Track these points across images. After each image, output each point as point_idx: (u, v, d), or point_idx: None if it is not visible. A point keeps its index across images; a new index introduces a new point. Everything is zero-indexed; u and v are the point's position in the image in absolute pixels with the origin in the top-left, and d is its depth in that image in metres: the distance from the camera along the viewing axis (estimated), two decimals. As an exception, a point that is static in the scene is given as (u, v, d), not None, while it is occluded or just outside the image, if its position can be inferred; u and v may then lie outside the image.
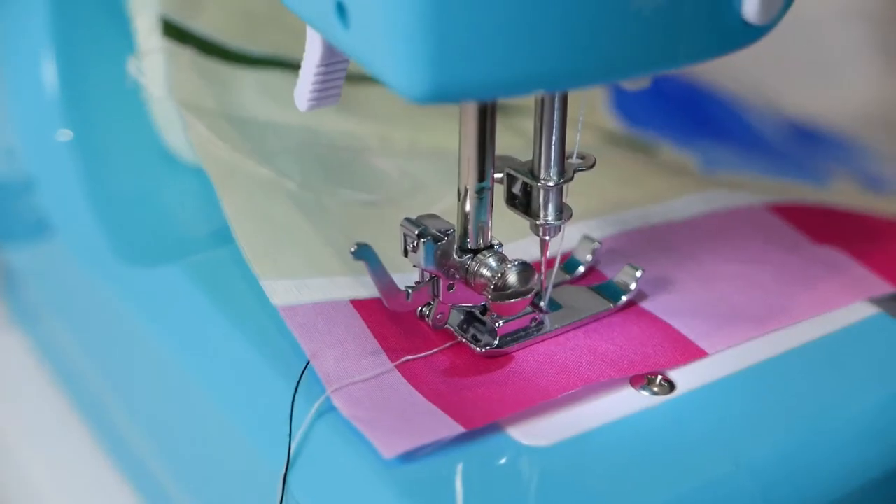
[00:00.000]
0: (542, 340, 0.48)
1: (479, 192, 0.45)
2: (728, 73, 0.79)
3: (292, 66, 0.61)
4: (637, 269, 0.49)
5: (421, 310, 0.47)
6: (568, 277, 0.51)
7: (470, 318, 0.48)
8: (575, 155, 0.48)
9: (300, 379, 0.45)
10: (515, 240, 0.52)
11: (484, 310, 0.48)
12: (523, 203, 0.48)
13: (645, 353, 0.47)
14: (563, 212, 0.47)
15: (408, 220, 0.46)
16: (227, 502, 0.50)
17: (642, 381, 0.46)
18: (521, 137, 0.63)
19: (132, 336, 0.54)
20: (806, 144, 0.77)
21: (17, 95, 0.60)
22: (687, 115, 0.75)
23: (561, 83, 0.40)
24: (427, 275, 0.46)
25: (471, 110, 0.44)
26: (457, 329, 0.48)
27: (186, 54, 0.58)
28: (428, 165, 0.59)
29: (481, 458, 0.42)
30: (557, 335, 0.48)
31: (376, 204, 0.55)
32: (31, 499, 0.61)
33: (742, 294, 0.51)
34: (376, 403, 0.44)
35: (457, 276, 0.46)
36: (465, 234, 0.46)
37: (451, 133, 0.60)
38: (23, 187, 0.61)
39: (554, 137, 0.46)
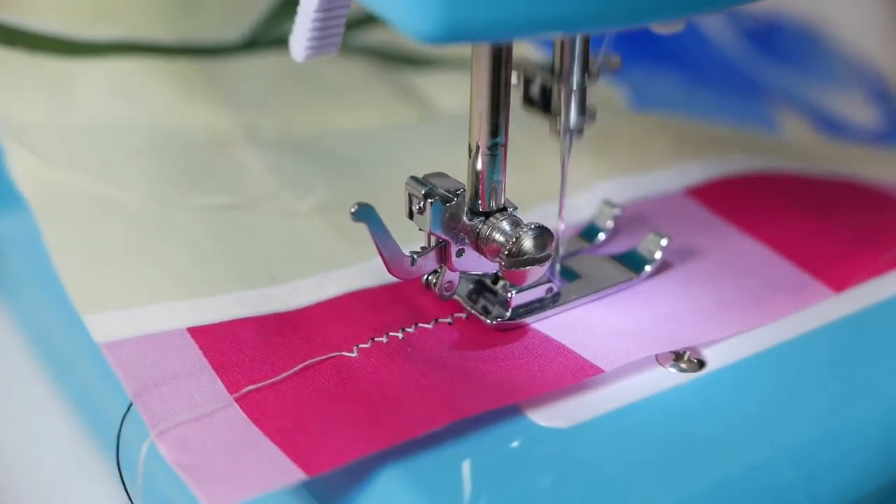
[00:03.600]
0: (559, 313, 0.45)
1: (492, 148, 0.42)
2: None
3: (149, 50, 0.58)
4: (662, 237, 0.46)
5: (427, 278, 0.44)
6: (587, 245, 0.48)
7: (480, 288, 0.45)
8: (600, 55, 0.45)
9: (122, 424, 0.41)
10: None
11: (496, 279, 0.45)
12: (542, 103, 0.45)
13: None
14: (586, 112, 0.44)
15: (414, 178, 0.42)
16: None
17: (669, 357, 0.43)
18: (420, 107, 0.60)
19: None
20: (760, 61, 0.73)
21: None
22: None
23: (585, 23, 0.36)
24: (434, 239, 0.43)
25: (483, 57, 0.41)
26: (465, 299, 0.45)
27: (13, 59, 0.55)
28: (298, 156, 0.55)
29: (496, 442, 0.39)
30: (575, 307, 0.45)
31: (235, 207, 0.51)
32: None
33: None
34: (207, 446, 0.39)
35: (467, 241, 0.43)
36: (476, 196, 0.43)
37: (330, 112, 0.58)
38: None
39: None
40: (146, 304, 0.44)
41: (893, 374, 0.44)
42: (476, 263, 0.43)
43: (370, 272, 0.47)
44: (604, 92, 0.62)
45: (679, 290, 0.46)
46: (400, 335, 0.43)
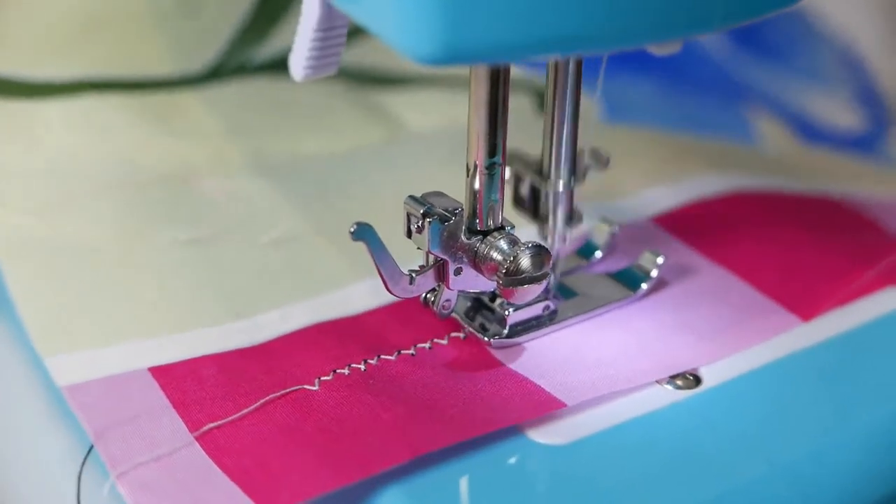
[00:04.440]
0: (555, 331, 0.45)
1: (490, 168, 0.42)
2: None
3: (110, 86, 0.57)
4: (658, 255, 0.46)
5: (426, 296, 0.44)
6: (584, 263, 0.48)
7: (477, 306, 0.45)
8: (587, 155, 0.45)
9: (82, 467, 0.41)
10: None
11: (493, 297, 0.45)
12: (531, 206, 0.46)
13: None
14: (573, 218, 0.45)
15: (412, 197, 0.42)
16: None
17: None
18: (391, 126, 0.59)
19: None
20: (740, 55, 0.71)
21: None
22: None
23: (581, 45, 0.37)
24: (432, 258, 0.43)
25: (482, 78, 0.41)
26: (463, 317, 0.45)
27: None
28: (266, 185, 0.54)
29: (494, 459, 0.39)
30: (571, 325, 0.45)
31: (200, 241, 0.50)
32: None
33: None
34: (167, 486, 0.39)
35: (465, 260, 0.43)
36: (473, 215, 0.43)
37: (299, 137, 0.57)
38: None
39: (565, 133, 0.44)
40: (108, 345, 0.44)
41: (888, 391, 0.44)
42: (474, 282, 0.43)
43: (336, 303, 0.47)
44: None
45: (648, 317, 0.46)
46: (362, 367, 0.43)
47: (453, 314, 0.44)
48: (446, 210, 0.42)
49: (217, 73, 0.60)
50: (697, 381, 0.43)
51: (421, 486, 0.38)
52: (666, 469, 0.40)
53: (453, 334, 0.45)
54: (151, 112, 0.57)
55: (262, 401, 0.41)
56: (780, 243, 0.50)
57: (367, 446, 0.39)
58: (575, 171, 0.45)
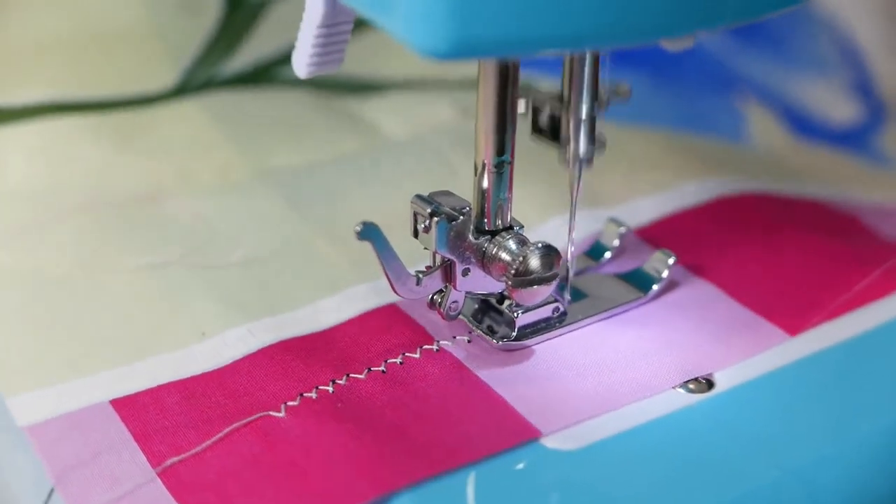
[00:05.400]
0: (564, 333, 0.44)
1: (498, 166, 0.41)
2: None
3: (74, 109, 0.56)
4: (670, 256, 0.45)
5: (433, 297, 0.43)
6: (593, 264, 0.47)
7: (485, 308, 0.44)
8: (608, 85, 0.44)
9: None
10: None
11: (501, 298, 0.44)
12: (551, 132, 0.44)
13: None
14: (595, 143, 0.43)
15: (419, 196, 0.42)
16: None
17: (678, 377, 0.42)
18: (365, 135, 0.58)
19: None
20: (731, 41, 0.68)
21: None
22: None
23: (593, 40, 0.36)
24: (440, 258, 0.42)
25: (490, 75, 0.40)
26: (470, 319, 0.44)
27: None
28: (232, 203, 0.52)
29: (505, 464, 0.39)
30: (581, 327, 0.44)
31: (164, 264, 0.49)
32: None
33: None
34: None
35: (473, 260, 0.42)
36: (482, 214, 0.42)
37: (269, 150, 0.56)
38: None
39: (587, 60, 0.42)
40: (70, 379, 0.43)
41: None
42: (482, 283, 0.43)
43: (303, 319, 0.45)
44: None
45: (632, 332, 0.44)
46: (330, 389, 0.41)
47: (461, 316, 0.44)
48: (454, 209, 0.41)
49: (184, 89, 0.58)
50: (710, 384, 0.42)
51: (431, 490, 0.38)
52: (678, 474, 0.39)
53: (425, 347, 0.43)
54: (117, 133, 0.56)
55: (225, 430, 0.40)
56: (766, 253, 0.49)
57: (332, 483, 0.38)
58: (597, 98, 0.43)
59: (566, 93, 0.43)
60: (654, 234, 0.50)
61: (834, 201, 0.55)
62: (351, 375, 0.42)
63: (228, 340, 0.44)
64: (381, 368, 0.42)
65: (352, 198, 0.52)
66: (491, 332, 0.43)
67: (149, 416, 0.41)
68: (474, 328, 0.44)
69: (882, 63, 0.70)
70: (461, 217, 0.41)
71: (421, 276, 0.42)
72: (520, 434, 0.39)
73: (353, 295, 0.46)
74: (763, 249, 0.49)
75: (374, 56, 0.60)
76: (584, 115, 0.43)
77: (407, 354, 0.43)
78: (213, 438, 0.40)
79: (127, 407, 0.42)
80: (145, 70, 0.59)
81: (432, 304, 0.43)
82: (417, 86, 0.60)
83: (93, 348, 0.44)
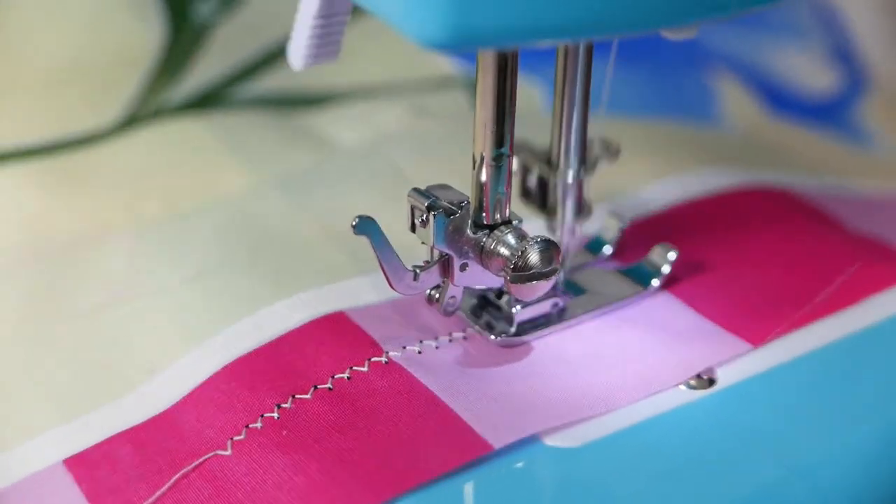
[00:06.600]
0: (564, 329, 0.43)
1: (497, 159, 0.41)
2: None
3: (16, 156, 0.55)
4: (670, 250, 0.45)
5: (430, 293, 0.42)
6: (592, 259, 0.47)
7: (484, 303, 0.44)
8: (597, 145, 0.44)
9: None
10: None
11: (500, 293, 0.43)
12: (539, 197, 0.44)
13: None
14: (583, 210, 0.44)
15: (416, 190, 0.41)
16: None
17: (679, 374, 0.42)
18: (317, 147, 0.56)
19: None
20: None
21: None
22: None
23: (593, 30, 0.35)
24: (437, 253, 0.41)
25: (489, 66, 0.40)
26: (469, 315, 0.43)
27: None
28: (182, 230, 0.51)
29: (506, 462, 0.38)
30: (580, 323, 0.44)
31: (109, 304, 0.47)
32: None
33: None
34: None
35: (471, 255, 0.42)
36: (480, 208, 0.41)
37: (220, 172, 0.54)
38: None
39: (575, 121, 0.42)
40: (23, 441, 0.42)
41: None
42: (480, 278, 0.42)
43: (250, 329, 0.44)
44: (525, 93, 0.52)
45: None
46: (275, 415, 0.40)
47: (458, 312, 0.43)
48: (452, 203, 0.41)
49: (131, 121, 0.57)
50: (711, 381, 0.42)
51: (433, 491, 0.37)
52: (680, 471, 0.39)
53: (374, 359, 0.42)
54: (63, 175, 0.54)
55: (173, 479, 0.39)
56: (730, 256, 0.47)
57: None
58: (585, 161, 0.43)
59: (555, 152, 0.43)
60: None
61: (803, 191, 0.54)
62: (296, 397, 0.41)
63: (176, 374, 0.43)
64: (328, 385, 0.41)
65: (308, 208, 0.51)
66: (489, 328, 0.43)
67: (100, 472, 0.40)
68: (472, 324, 0.43)
69: (862, 24, 0.68)
70: (459, 211, 0.41)
71: (418, 271, 0.41)
72: (471, 450, 0.38)
73: (298, 302, 0.45)
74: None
75: (327, 66, 0.59)
76: (570, 180, 0.43)
77: (355, 368, 0.41)
78: (161, 490, 0.39)
79: (79, 465, 0.41)
80: (88, 108, 0.57)
81: (430, 299, 0.43)
82: (364, 92, 0.59)
83: (44, 404, 0.43)
